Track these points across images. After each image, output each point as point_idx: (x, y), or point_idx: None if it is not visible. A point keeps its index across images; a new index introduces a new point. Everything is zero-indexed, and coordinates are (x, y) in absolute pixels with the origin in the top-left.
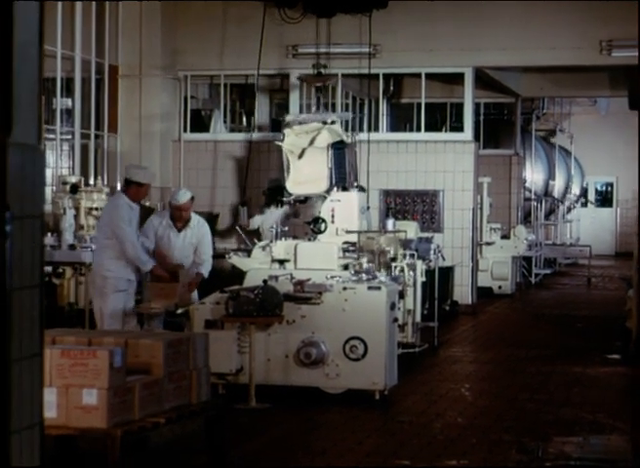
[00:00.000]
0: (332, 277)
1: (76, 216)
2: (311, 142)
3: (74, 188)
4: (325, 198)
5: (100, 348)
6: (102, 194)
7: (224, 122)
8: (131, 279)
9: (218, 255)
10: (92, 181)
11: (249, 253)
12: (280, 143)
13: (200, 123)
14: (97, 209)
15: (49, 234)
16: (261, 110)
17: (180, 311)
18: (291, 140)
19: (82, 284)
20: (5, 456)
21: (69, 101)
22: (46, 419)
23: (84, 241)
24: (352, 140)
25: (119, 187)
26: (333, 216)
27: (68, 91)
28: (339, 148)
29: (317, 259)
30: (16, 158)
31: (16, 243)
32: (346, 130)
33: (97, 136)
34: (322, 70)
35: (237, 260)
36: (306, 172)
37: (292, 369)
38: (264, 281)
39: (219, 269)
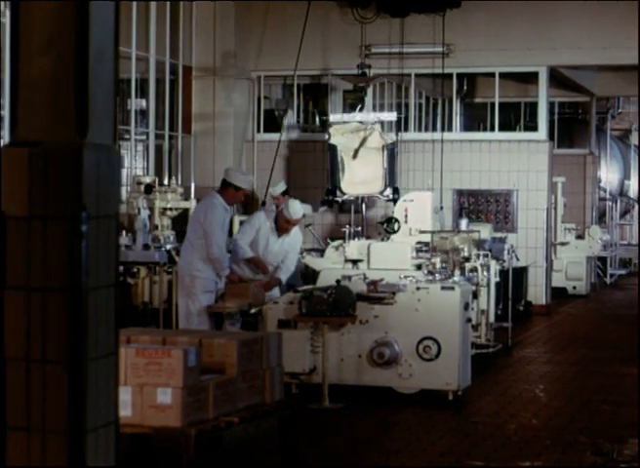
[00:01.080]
0: (405, 277)
1: (150, 216)
2: (362, 143)
3: (148, 188)
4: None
5: (175, 347)
6: (176, 194)
7: (297, 122)
8: (216, 280)
9: None
10: (166, 182)
11: (322, 252)
12: (331, 142)
13: (273, 123)
14: (170, 209)
15: (123, 234)
16: (334, 110)
17: (253, 311)
18: (337, 140)
19: (156, 283)
20: (81, 454)
21: (144, 102)
22: (121, 418)
23: (158, 241)
24: (395, 140)
25: (193, 187)
26: (406, 216)
27: (143, 92)
28: (391, 149)
29: (390, 259)
30: (91, 158)
31: (91, 243)
32: (399, 130)
33: (171, 137)
34: (366, 71)
35: (310, 260)
36: (361, 172)
37: (365, 369)
38: (337, 281)
39: None
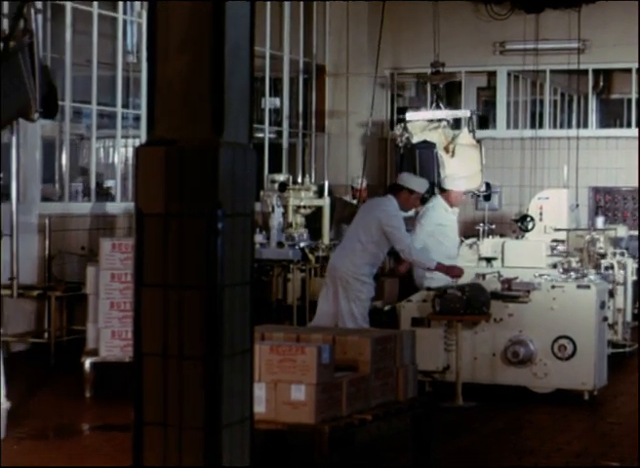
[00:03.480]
0: (540, 275)
1: (284, 214)
2: (453, 139)
3: (283, 187)
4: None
5: (309, 344)
6: (310, 192)
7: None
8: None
9: None
10: (300, 180)
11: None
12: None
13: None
14: (304, 207)
15: (258, 232)
16: (468, 107)
17: (386, 308)
18: (418, 138)
19: (290, 281)
20: (216, 450)
21: (277, 101)
22: (255, 414)
23: (292, 239)
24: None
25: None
26: (541, 214)
27: (276, 90)
28: None
29: (525, 257)
30: (227, 157)
31: (227, 240)
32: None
33: (304, 135)
34: (440, 68)
35: None
36: (458, 169)
37: (499, 367)
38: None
39: None
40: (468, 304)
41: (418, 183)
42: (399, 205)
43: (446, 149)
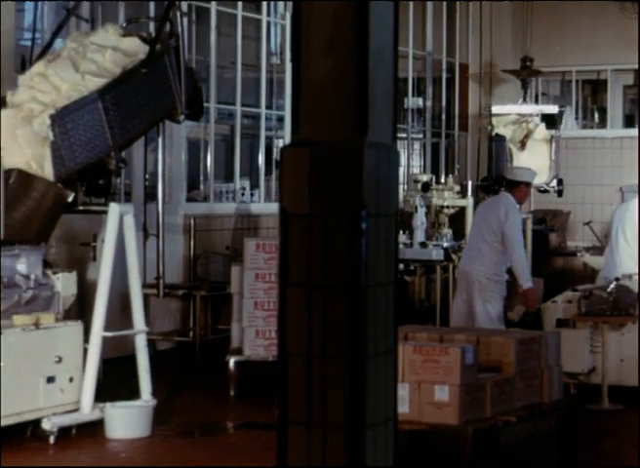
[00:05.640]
0: None
1: (427, 215)
2: (528, 135)
3: (426, 187)
4: None
5: (453, 345)
6: (453, 192)
7: (576, 119)
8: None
9: (569, 254)
10: (442, 180)
11: (601, 251)
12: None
13: (550, 120)
14: (447, 207)
15: (401, 232)
16: (614, 106)
17: (515, 319)
18: (501, 131)
19: (433, 281)
20: (360, 450)
21: (420, 101)
22: (399, 415)
23: (435, 239)
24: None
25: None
26: None
27: (419, 90)
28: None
29: None
30: (371, 157)
31: (371, 240)
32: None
33: (447, 135)
34: (528, 63)
35: (589, 259)
36: (529, 163)
37: None
38: (616, 279)
39: (569, 267)
40: (615, 305)
41: (531, 174)
42: (516, 200)
43: (521, 143)
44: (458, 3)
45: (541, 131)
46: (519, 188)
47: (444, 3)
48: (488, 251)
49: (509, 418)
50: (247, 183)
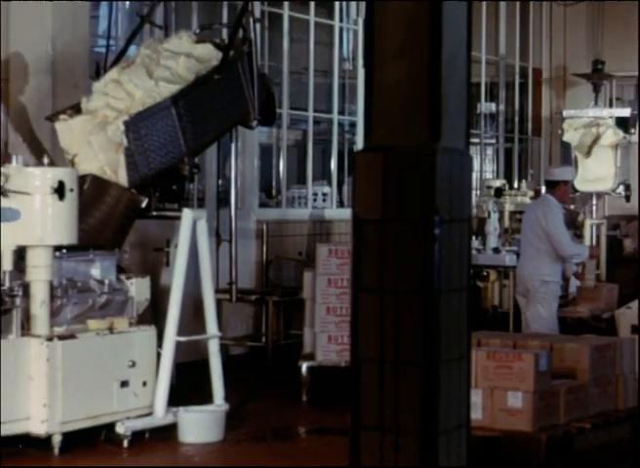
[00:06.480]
0: None
1: (500, 220)
2: (595, 140)
3: (498, 192)
4: None
5: (526, 351)
6: (526, 197)
7: None
8: (562, 284)
9: None
10: (516, 185)
11: None
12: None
13: (623, 124)
14: (520, 212)
15: (473, 237)
16: None
17: (605, 315)
18: (570, 136)
19: (506, 287)
20: (433, 455)
21: (493, 106)
22: (471, 421)
23: (508, 244)
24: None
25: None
26: None
27: (492, 95)
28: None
29: None
30: (444, 162)
31: (444, 246)
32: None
33: (520, 140)
34: (599, 67)
35: None
36: (595, 170)
37: None
38: None
39: None
40: None
41: (568, 172)
42: (557, 199)
43: (588, 149)
44: (531, 7)
45: (609, 137)
46: (558, 187)
47: (517, 7)
48: (536, 253)
49: (583, 425)
50: (319, 189)
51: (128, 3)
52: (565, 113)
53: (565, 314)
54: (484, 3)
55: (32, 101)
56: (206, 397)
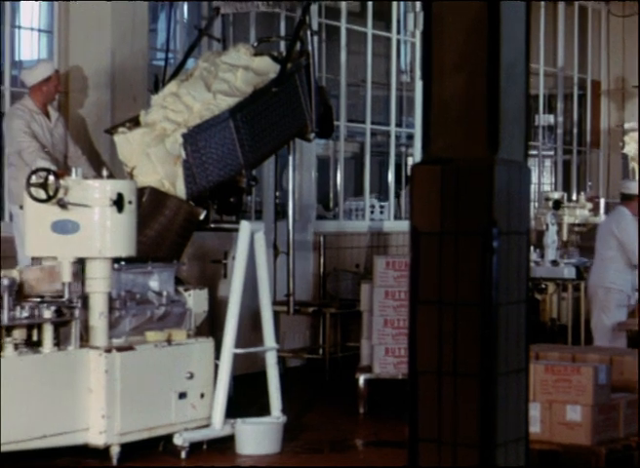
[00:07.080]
0: None
1: (558, 232)
2: None
3: (557, 204)
4: None
5: (585, 365)
6: (585, 210)
7: None
8: (631, 295)
9: None
10: (574, 197)
11: None
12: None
13: None
14: (579, 224)
15: (532, 250)
16: None
17: None
18: (631, 148)
19: (564, 299)
20: None
21: (551, 118)
22: (530, 434)
23: (566, 256)
24: None
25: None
26: None
27: (550, 107)
28: None
29: None
30: (502, 175)
31: (502, 258)
32: None
33: (579, 152)
34: None
35: None
36: None
37: None
38: None
39: None
40: None
41: None
42: (632, 212)
43: None
44: (589, 19)
45: None
46: (633, 200)
47: (575, 19)
48: (600, 261)
49: None
50: (377, 201)
51: (186, 16)
52: (627, 126)
53: (626, 327)
54: (542, 16)
55: (91, 114)
56: (263, 409)
